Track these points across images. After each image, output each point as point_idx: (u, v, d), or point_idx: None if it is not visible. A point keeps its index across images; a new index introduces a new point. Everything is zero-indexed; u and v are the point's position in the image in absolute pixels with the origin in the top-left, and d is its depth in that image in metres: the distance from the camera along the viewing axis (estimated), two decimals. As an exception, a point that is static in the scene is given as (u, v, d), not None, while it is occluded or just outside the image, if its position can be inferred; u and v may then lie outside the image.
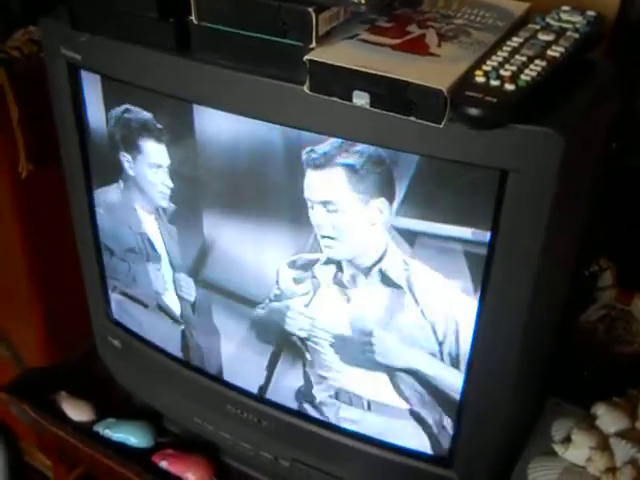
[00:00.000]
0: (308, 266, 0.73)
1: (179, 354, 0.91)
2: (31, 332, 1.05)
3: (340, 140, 0.64)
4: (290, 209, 0.72)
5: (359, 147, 0.64)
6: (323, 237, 0.70)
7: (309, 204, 0.69)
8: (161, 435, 0.97)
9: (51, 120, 0.84)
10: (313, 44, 0.60)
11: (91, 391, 1.01)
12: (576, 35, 0.62)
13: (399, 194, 0.65)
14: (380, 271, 0.70)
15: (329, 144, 0.65)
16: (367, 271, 0.70)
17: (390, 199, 0.65)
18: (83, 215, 0.88)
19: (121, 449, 0.94)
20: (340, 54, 0.59)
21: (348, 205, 0.67)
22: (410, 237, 0.66)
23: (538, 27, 0.63)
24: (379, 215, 0.66)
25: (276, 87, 0.63)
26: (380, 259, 0.69)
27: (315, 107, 0.62)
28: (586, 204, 0.71)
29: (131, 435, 0.95)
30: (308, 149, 0.66)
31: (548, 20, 0.65)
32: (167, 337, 0.91)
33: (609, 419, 0.77)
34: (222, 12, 0.63)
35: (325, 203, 0.68)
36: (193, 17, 0.64)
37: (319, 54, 0.59)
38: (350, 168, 0.65)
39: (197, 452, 0.94)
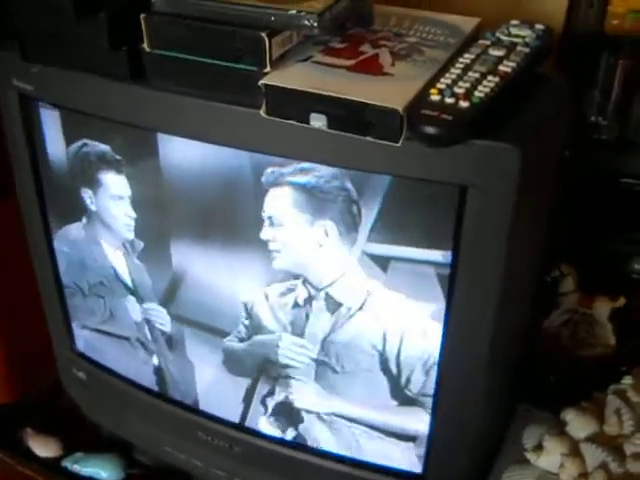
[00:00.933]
0: (279, 292, 0.73)
1: (147, 383, 0.90)
2: (-8, 368, 1.02)
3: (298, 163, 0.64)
4: (256, 234, 0.71)
5: (318, 170, 0.64)
6: (271, 251, 0.71)
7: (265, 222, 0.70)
8: (132, 467, 0.95)
9: (4, 150, 0.83)
10: (267, 68, 0.60)
11: (57, 426, 0.99)
12: (526, 49, 0.63)
13: (357, 219, 0.65)
14: (331, 292, 0.70)
15: (290, 166, 0.65)
16: (320, 292, 0.71)
17: (343, 223, 0.66)
18: (41, 250, 0.87)
19: (91, 484, 0.92)
20: (295, 77, 0.59)
21: (291, 221, 0.68)
22: (369, 260, 0.67)
23: (489, 42, 0.64)
24: (324, 237, 0.67)
25: (233, 112, 0.63)
26: (333, 282, 0.70)
27: (273, 131, 0.62)
28: (546, 213, 0.72)
29: (100, 469, 0.94)
30: (270, 170, 0.66)
31: (498, 35, 0.66)
32: (135, 366, 0.89)
33: (578, 424, 0.78)
34: (175, 39, 0.63)
35: (270, 217, 0.69)
36: (145, 45, 0.64)
37: (274, 78, 0.59)
38: (301, 188, 0.66)
39: (170, 482, 0.93)
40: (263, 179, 0.67)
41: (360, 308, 0.70)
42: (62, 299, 0.90)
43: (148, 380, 0.89)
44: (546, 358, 0.97)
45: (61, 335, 0.94)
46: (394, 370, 0.71)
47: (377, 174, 0.62)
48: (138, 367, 0.89)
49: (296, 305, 0.73)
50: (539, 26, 0.67)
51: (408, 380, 0.72)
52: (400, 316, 0.69)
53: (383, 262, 0.67)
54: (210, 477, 0.90)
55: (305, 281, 0.71)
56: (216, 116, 0.64)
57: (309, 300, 0.72)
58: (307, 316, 0.73)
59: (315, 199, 0.66)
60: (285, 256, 0.71)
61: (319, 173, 0.65)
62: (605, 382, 0.87)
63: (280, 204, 0.68)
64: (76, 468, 0.94)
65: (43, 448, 0.96)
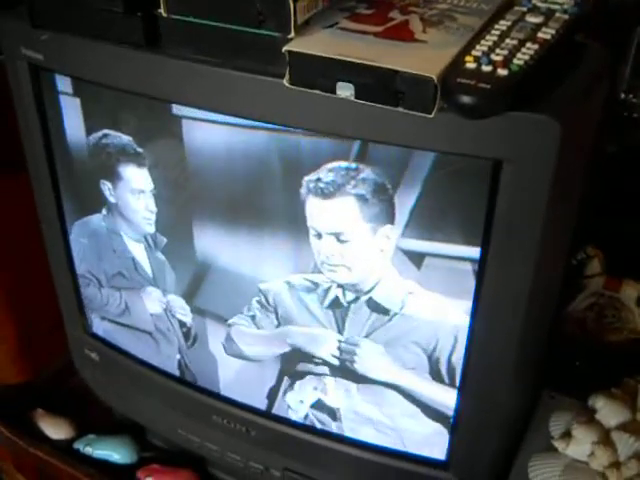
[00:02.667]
0: (306, 289, 0.70)
1: (162, 365, 0.87)
2: (3, 348, 1.00)
3: (345, 167, 0.61)
4: (289, 234, 0.69)
5: (363, 174, 0.61)
6: (329, 264, 0.68)
7: (312, 232, 0.66)
8: (145, 450, 0.94)
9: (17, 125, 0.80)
10: (292, 34, 0.56)
11: (69, 407, 0.97)
12: (565, 16, 0.60)
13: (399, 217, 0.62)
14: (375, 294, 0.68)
15: (334, 172, 0.62)
16: (365, 294, 0.68)
17: (394, 223, 0.63)
18: (54, 233, 0.84)
19: (104, 466, 0.91)
20: (321, 44, 0.56)
21: (358, 235, 0.65)
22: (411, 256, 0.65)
23: (525, 9, 0.60)
24: (387, 241, 0.64)
25: (253, 81, 0.60)
26: (377, 282, 0.67)
27: (295, 101, 0.58)
28: (578, 191, 0.69)
29: (113, 451, 0.92)
30: (311, 177, 0.63)
31: (534, 2, 0.62)
32: (151, 353, 0.87)
33: (609, 412, 0.75)
34: (193, 3, 0.59)
35: (337, 234, 0.65)
36: (162, 10, 0.61)
37: (299, 44, 0.56)
38: (359, 198, 0.62)
39: (183, 466, 0.90)
40: (305, 185, 0.64)
41: (401, 308, 0.67)
42: (75, 280, 0.88)
43: (163, 362, 0.87)
44: (570, 342, 0.94)
45: (73, 315, 0.91)
46: (419, 350, 0.69)
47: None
48: (154, 354, 0.87)
49: (332, 304, 0.70)
50: (577, -8, 0.63)
51: (436, 362, 0.69)
52: (434, 301, 0.66)
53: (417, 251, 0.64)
54: (225, 461, 0.88)
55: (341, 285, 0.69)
56: (235, 85, 0.61)
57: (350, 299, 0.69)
58: (342, 315, 0.71)
59: (372, 207, 0.63)
60: (348, 270, 0.68)
61: (361, 175, 0.61)
62: (631, 368, 0.85)
63: (341, 217, 0.64)
64: (88, 450, 0.92)
65: (55, 430, 0.95)
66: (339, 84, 0.54)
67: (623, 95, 0.93)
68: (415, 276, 0.65)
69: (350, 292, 0.69)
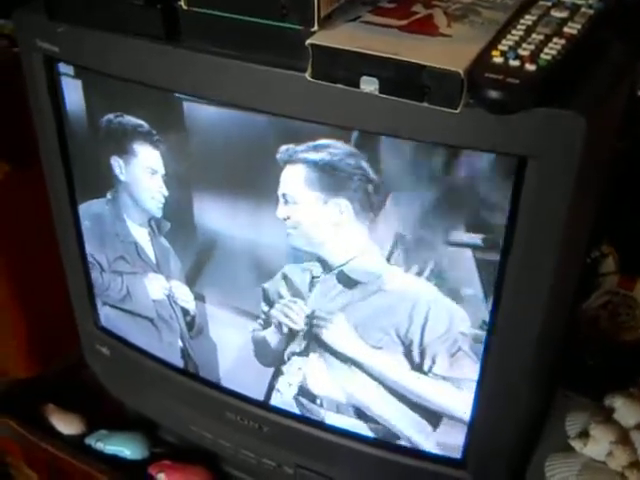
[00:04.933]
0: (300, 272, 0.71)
1: (173, 360, 0.87)
2: (14, 342, 1.00)
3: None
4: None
5: (332, 147, 0.62)
6: (288, 228, 0.69)
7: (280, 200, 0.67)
8: (156, 445, 0.93)
9: (29, 119, 0.79)
10: (315, 27, 0.56)
11: (80, 402, 0.97)
12: (590, 11, 0.59)
13: (373, 198, 0.63)
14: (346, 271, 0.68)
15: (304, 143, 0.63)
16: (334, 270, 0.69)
17: (358, 202, 0.64)
18: (66, 223, 0.84)
19: (115, 462, 0.90)
20: (345, 37, 0.55)
21: (304, 199, 0.66)
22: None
23: (549, 4, 0.60)
24: (339, 215, 0.64)
25: (274, 75, 0.59)
26: (349, 260, 0.68)
27: (318, 95, 0.58)
28: (599, 189, 0.68)
29: (125, 447, 0.91)
30: (284, 147, 0.64)
31: (558, -4, 0.61)
32: (159, 344, 0.86)
33: (627, 411, 0.75)
34: (214, -5, 0.58)
35: (284, 195, 0.67)
36: (182, 2, 0.60)
37: (322, 38, 0.55)
38: (315, 165, 0.63)
39: (195, 462, 0.90)
40: (278, 156, 0.64)
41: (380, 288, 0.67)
42: (87, 273, 0.87)
43: (173, 357, 0.86)
44: (584, 341, 0.93)
45: (85, 310, 0.91)
46: (428, 349, 0.69)
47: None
48: (162, 345, 0.86)
49: (312, 283, 0.71)
50: (601, -13, 0.62)
51: (451, 358, 0.69)
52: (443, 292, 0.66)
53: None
54: (238, 458, 0.87)
55: (319, 259, 0.69)
56: (257, 79, 0.60)
57: (324, 278, 0.70)
58: (323, 293, 0.71)
59: (329, 177, 0.63)
60: (300, 234, 0.68)
61: (333, 151, 0.61)
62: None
63: (294, 182, 0.65)
64: (100, 446, 0.92)
65: (66, 425, 0.94)
66: (363, 78, 0.54)
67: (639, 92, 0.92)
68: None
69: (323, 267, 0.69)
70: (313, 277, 0.71)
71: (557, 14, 0.58)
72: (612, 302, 0.97)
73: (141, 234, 0.80)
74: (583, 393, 0.84)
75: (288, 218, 0.68)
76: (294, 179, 0.65)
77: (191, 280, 0.79)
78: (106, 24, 0.65)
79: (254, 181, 0.69)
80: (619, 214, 0.92)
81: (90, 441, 0.93)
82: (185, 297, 0.81)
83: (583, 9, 0.59)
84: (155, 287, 0.82)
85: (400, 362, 0.71)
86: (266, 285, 0.74)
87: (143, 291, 0.83)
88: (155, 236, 0.78)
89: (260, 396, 0.82)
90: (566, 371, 0.87)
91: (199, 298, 0.80)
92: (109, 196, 0.79)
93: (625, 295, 0.97)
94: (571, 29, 0.56)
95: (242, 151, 0.68)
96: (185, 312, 0.82)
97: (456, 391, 0.70)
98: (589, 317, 0.97)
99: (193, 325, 0.82)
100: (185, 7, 0.60)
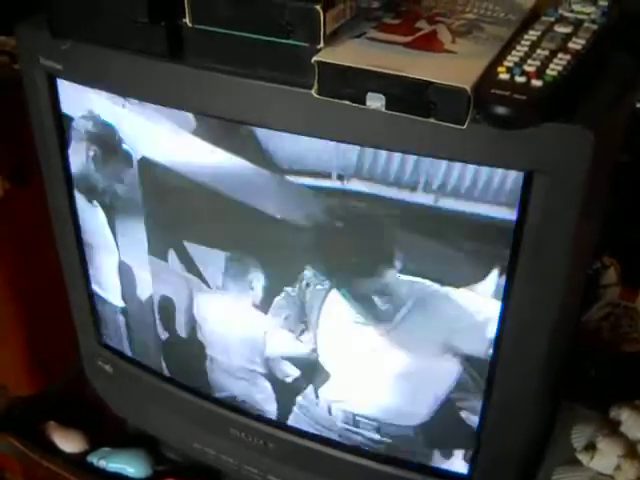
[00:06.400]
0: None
1: (175, 376, 0.86)
2: (15, 359, 0.99)
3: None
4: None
5: None
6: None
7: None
8: (159, 463, 0.92)
9: (28, 136, 0.79)
10: (321, 44, 0.56)
11: (82, 419, 0.96)
12: (594, 26, 0.59)
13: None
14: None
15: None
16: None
17: None
18: (68, 238, 0.83)
19: (117, 480, 0.89)
20: (350, 54, 0.55)
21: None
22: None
23: (553, 19, 0.60)
24: None
25: (280, 92, 0.59)
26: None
27: (324, 112, 0.58)
28: (604, 202, 0.68)
29: (127, 465, 0.91)
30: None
31: (561, 12, 0.61)
32: (163, 360, 0.86)
33: (634, 424, 0.74)
34: (219, 14, 0.58)
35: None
36: (187, 20, 0.60)
37: (328, 55, 0.55)
38: None
39: (199, 479, 0.89)
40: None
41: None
42: (89, 288, 0.87)
43: (176, 373, 0.86)
44: (586, 352, 0.93)
45: (86, 326, 0.90)
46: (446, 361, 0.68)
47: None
48: (167, 360, 0.86)
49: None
50: (603, 2, 0.62)
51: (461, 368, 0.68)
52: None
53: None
54: (242, 475, 0.86)
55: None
56: (261, 97, 0.60)
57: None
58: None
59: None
60: None
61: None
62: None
63: None
64: (102, 464, 0.91)
65: (67, 443, 0.93)
66: (369, 95, 0.54)
67: (639, 104, 0.93)
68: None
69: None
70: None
71: (561, 29, 0.58)
72: (614, 314, 0.97)
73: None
74: (585, 404, 0.83)
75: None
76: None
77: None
78: (110, 41, 0.65)
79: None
80: (621, 226, 0.92)
81: (92, 459, 0.92)
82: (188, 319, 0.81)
83: (586, 24, 0.59)
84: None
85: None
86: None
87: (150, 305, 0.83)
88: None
89: (266, 412, 0.81)
90: (568, 382, 0.86)
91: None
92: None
93: (627, 307, 0.97)
94: (575, 44, 0.56)
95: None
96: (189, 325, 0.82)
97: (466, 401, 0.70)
98: (591, 328, 0.97)
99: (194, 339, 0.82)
100: (190, 25, 0.60)
